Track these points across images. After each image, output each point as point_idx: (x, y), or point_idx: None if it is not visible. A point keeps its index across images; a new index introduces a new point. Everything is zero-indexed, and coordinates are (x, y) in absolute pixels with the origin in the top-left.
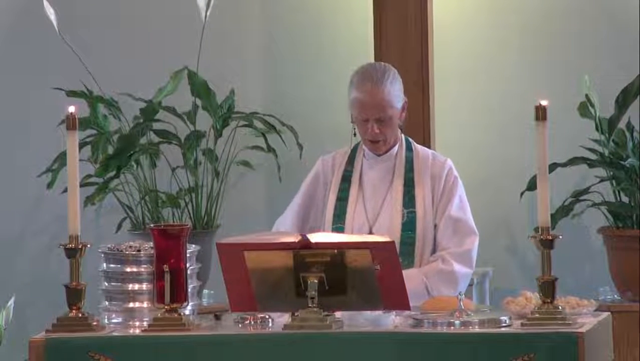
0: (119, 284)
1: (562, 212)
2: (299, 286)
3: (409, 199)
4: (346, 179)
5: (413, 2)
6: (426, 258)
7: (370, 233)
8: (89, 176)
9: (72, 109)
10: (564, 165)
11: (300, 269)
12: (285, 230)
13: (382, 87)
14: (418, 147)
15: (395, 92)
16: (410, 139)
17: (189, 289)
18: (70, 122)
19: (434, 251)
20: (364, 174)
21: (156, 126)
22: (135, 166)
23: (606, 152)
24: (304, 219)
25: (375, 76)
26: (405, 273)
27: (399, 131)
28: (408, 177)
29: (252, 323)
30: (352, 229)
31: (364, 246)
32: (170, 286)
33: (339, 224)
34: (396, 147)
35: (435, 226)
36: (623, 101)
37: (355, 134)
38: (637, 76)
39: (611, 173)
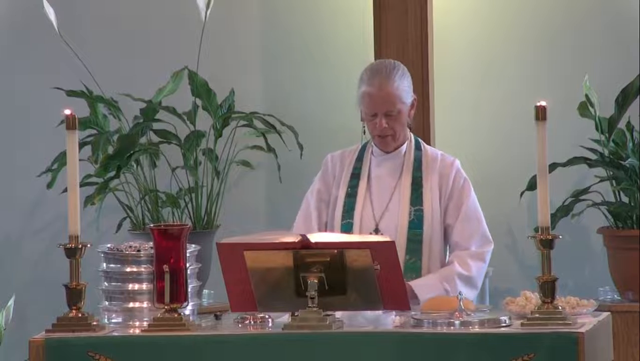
0: (119, 284)
1: (562, 212)
2: (299, 286)
3: (416, 197)
4: (355, 175)
5: (413, 2)
6: (434, 256)
7: (377, 229)
8: (89, 176)
9: (67, 112)
10: (564, 165)
11: (300, 269)
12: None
13: (390, 81)
14: (427, 147)
15: (404, 87)
16: (420, 139)
17: (189, 289)
18: (70, 122)
19: (442, 249)
20: (372, 171)
21: (156, 126)
22: (135, 166)
23: (606, 152)
24: (324, 218)
25: (384, 70)
26: (425, 280)
27: (408, 130)
28: (416, 175)
29: (252, 323)
30: (359, 225)
31: (364, 246)
32: (170, 286)
33: (348, 220)
34: (405, 146)
35: (448, 225)
36: (623, 101)
37: (364, 132)
38: (637, 76)
39: (611, 173)
